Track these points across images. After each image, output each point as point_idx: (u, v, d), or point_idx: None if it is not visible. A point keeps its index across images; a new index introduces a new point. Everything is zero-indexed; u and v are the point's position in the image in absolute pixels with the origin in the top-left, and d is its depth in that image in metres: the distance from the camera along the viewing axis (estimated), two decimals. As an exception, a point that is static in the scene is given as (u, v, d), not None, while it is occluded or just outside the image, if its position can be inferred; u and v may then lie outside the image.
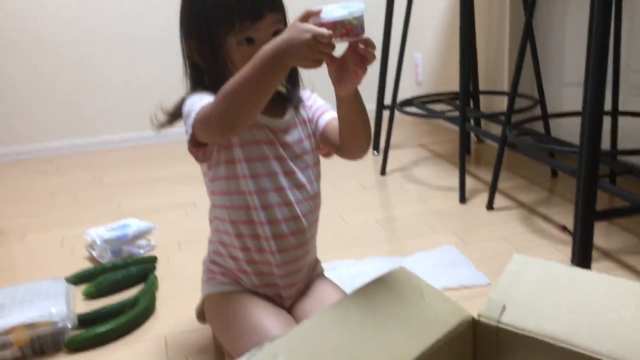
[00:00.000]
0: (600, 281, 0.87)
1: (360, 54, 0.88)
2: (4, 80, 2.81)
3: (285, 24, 1.03)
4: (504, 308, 0.83)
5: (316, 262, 1.23)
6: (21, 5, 2.77)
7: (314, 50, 0.83)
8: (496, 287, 0.88)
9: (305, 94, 1.15)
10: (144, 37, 2.91)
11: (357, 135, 1.06)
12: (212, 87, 1.03)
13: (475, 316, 0.84)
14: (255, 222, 1.07)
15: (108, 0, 2.85)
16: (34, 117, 2.88)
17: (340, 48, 0.88)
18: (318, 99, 1.17)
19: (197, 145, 1.01)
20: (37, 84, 2.85)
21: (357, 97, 0.99)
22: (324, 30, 0.82)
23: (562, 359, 0.77)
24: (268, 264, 1.10)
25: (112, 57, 2.92)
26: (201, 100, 0.97)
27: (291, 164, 1.08)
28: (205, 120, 0.93)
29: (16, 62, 2.81)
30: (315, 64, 0.85)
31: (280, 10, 1.02)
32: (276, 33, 1.00)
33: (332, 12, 0.82)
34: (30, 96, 2.85)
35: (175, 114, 1.09)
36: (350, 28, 0.83)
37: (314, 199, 1.13)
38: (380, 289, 0.88)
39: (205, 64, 1.04)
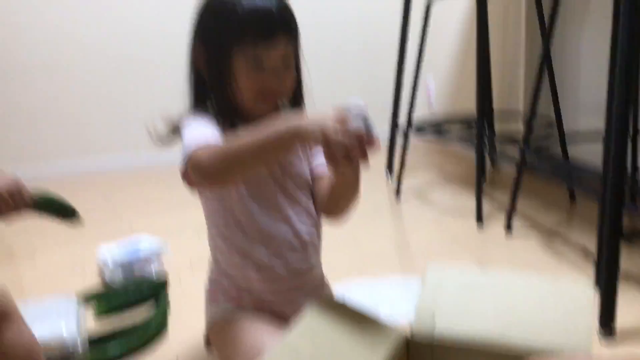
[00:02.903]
0: (518, 280, 0.91)
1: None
2: (19, 101, 2.81)
3: (297, 51, 1.02)
4: (433, 317, 0.84)
5: (323, 282, 1.19)
6: (40, 30, 2.79)
7: (333, 146, 0.79)
8: (421, 298, 0.88)
9: None
10: (157, 60, 2.92)
11: (338, 200, 1.04)
12: (215, 102, 1.02)
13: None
14: (251, 241, 1.04)
15: (126, 24, 2.87)
16: (46, 137, 2.88)
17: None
18: None
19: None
20: (50, 105, 2.86)
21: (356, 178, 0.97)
22: (352, 142, 0.79)
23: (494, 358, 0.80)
24: (267, 283, 1.07)
25: (128, 79, 2.93)
26: (201, 132, 0.95)
27: (291, 184, 1.06)
28: (199, 167, 0.89)
29: (32, 84, 2.82)
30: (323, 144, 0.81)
31: (293, 32, 1.00)
32: (286, 58, 0.99)
33: (357, 120, 0.80)
34: (44, 116, 2.86)
35: (175, 132, 1.06)
36: (371, 141, 0.81)
37: (315, 219, 1.11)
38: (319, 322, 0.86)
39: (209, 74, 1.02)
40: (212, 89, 1.03)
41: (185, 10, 2.67)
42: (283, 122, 0.83)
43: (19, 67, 2.80)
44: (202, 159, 0.88)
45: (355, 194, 1.02)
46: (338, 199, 1.04)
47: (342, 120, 0.80)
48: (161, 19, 2.89)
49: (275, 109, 1.03)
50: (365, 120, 0.82)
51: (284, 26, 0.99)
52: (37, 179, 2.82)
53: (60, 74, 2.85)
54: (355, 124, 0.80)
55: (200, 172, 0.89)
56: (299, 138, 0.82)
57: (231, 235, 1.05)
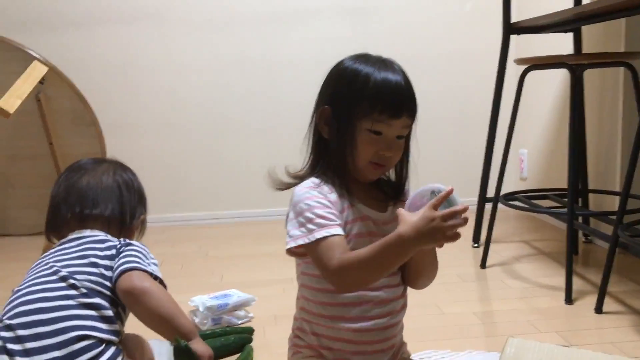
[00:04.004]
0: (598, 359, 0.91)
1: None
2: (129, 157, 3.05)
3: (412, 126, 1.10)
4: None
5: (401, 345, 1.21)
6: (150, 92, 3.07)
7: (451, 236, 0.94)
8: None
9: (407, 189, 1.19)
10: (259, 124, 3.12)
11: (419, 277, 1.13)
12: (330, 162, 1.10)
13: None
14: (342, 302, 1.09)
15: (230, 89, 3.09)
16: (152, 190, 3.08)
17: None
18: None
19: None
20: (158, 161, 3.10)
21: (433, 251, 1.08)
22: (461, 222, 0.94)
23: None
24: (352, 342, 1.10)
25: (228, 140, 3.13)
26: (313, 208, 1.03)
27: None
28: (344, 281, 1.01)
29: (142, 142, 3.08)
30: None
31: (414, 117, 1.09)
32: (403, 132, 1.08)
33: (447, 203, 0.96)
34: (151, 172, 3.08)
35: (291, 184, 1.14)
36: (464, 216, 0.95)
37: (403, 286, 1.16)
38: None
39: (330, 135, 1.10)
40: (330, 149, 1.11)
41: (285, 76, 2.80)
42: (411, 239, 0.94)
43: (132, 124, 3.07)
44: (347, 277, 1.00)
45: (435, 265, 1.11)
46: (420, 271, 1.12)
47: (443, 216, 0.93)
48: (260, 84, 3.10)
49: (381, 174, 1.13)
50: (453, 201, 0.95)
51: (409, 104, 1.07)
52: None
53: (168, 132, 3.10)
54: (447, 208, 0.94)
55: (344, 286, 1.02)
56: (429, 243, 0.95)
57: (323, 295, 1.11)
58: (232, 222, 3.11)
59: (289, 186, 1.15)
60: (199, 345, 1.04)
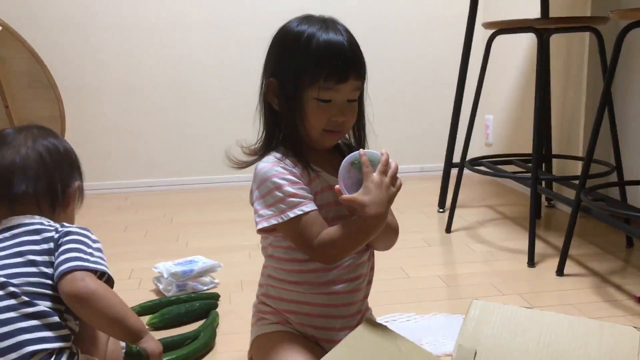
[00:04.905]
0: (561, 321, 0.93)
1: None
2: (90, 122, 2.98)
3: (362, 87, 1.08)
4: (475, 354, 0.87)
5: (366, 310, 1.22)
6: (111, 54, 2.97)
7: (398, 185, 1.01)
8: (462, 333, 0.91)
9: None
10: (222, 88, 3.05)
11: (379, 240, 1.10)
12: (284, 132, 1.08)
13: None
14: (310, 267, 1.08)
15: (192, 51, 3.01)
16: (114, 156, 3.03)
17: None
18: None
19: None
20: (119, 126, 3.02)
21: None
22: (395, 166, 1.01)
23: None
24: (321, 306, 1.10)
25: (191, 105, 3.06)
26: (282, 186, 1.01)
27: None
28: (326, 259, 1.03)
29: (102, 106, 2.99)
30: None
31: (362, 79, 1.06)
32: (353, 95, 1.05)
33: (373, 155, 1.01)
34: (113, 137, 3.01)
35: (252, 162, 1.12)
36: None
37: (369, 249, 1.16)
38: (361, 344, 0.92)
39: (280, 106, 1.08)
40: (282, 120, 1.09)
41: (246, 42, 2.72)
42: (381, 219, 0.98)
43: (93, 87, 2.98)
44: (331, 255, 1.03)
45: (393, 226, 1.12)
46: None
47: (382, 172, 0.99)
48: (228, 48, 3.03)
49: (337, 140, 1.11)
50: (375, 157, 1.00)
51: (355, 65, 1.04)
52: (102, 194, 2.97)
53: (131, 96, 3.01)
54: (375, 166, 0.99)
55: (328, 261, 1.05)
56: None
57: (293, 264, 1.10)
58: (198, 188, 3.07)
59: (249, 164, 1.12)
60: (149, 344, 0.99)
